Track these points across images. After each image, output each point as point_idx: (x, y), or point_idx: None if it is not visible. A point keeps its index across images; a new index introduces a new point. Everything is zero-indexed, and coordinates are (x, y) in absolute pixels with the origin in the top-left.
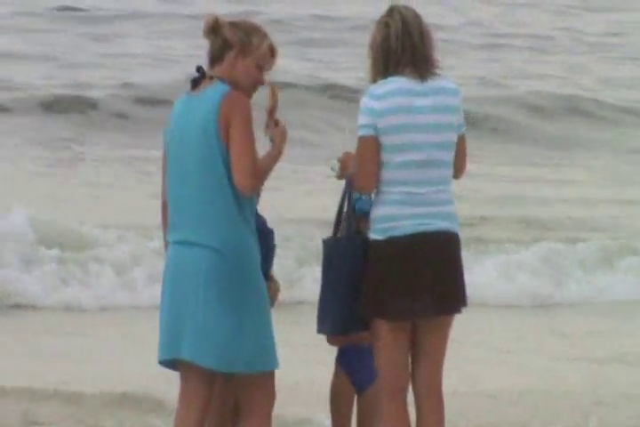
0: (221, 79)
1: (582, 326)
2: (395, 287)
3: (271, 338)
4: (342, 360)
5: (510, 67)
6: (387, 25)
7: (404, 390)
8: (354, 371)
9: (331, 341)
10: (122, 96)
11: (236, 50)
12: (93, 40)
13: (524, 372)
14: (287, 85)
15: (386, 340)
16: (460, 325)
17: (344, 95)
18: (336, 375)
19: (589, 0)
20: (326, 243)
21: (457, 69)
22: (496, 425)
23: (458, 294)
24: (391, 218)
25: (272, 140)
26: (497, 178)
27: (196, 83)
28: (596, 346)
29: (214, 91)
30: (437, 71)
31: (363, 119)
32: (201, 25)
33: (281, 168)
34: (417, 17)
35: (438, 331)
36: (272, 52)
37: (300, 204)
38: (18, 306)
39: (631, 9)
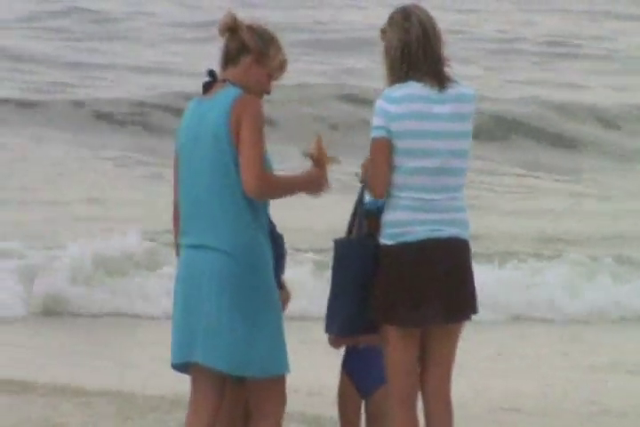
0: (233, 83)
1: None
2: (405, 294)
3: (283, 342)
4: (347, 365)
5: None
6: (407, 31)
7: (414, 397)
8: (358, 375)
9: (332, 342)
10: None
11: (253, 57)
12: None
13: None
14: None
15: (395, 346)
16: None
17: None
18: (342, 380)
19: None
20: (337, 243)
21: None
22: None
23: (468, 301)
24: (402, 224)
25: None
26: None
27: (207, 86)
28: None
29: (226, 94)
30: (451, 75)
31: (376, 121)
32: None
33: None
34: (431, 18)
35: (448, 338)
36: (283, 65)
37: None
38: None
39: None
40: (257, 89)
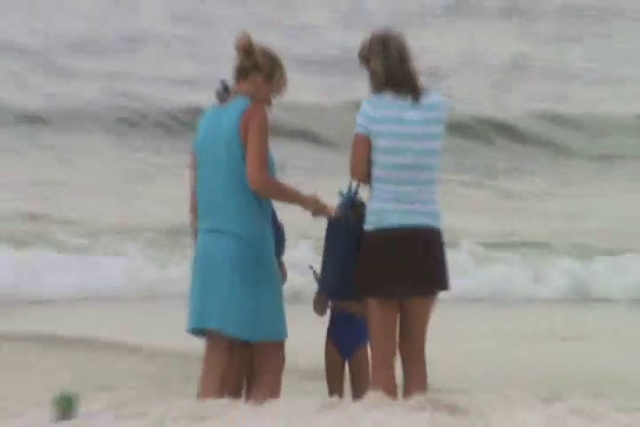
0: (244, 96)
1: None
2: (381, 272)
3: (283, 313)
4: (331, 331)
5: None
6: (387, 57)
7: (392, 358)
8: (341, 340)
9: (317, 309)
10: None
11: (263, 75)
12: None
13: None
14: None
15: (376, 315)
16: None
17: None
18: (327, 344)
19: None
20: (328, 221)
21: None
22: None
23: (434, 279)
24: (380, 212)
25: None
26: None
27: (220, 96)
28: None
29: (238, 104)
30: (425, 86)
31: (359, 120)
32: None
33: None
34: (404, 42)
35: (421, 308)
36: (284, 86)
37: None
38: None
39: None
40: (263, 101)
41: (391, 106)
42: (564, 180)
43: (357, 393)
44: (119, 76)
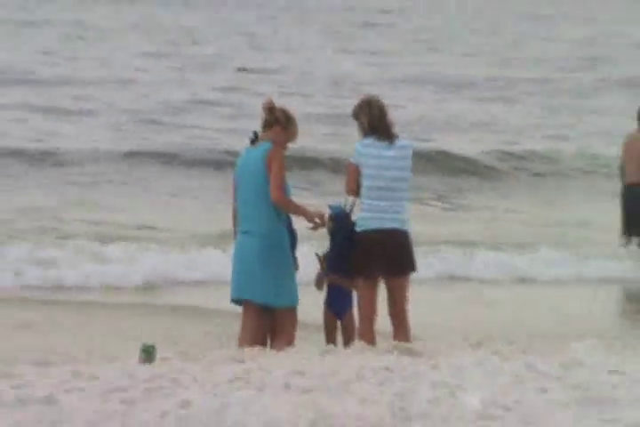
0: (268, 140)
1: None
2: (366, 260)
3: (296, 286)
4: (328, 300)
5: None
6: (370, 113)
7: (373, 317)
8: (335, 305)
9: (317, 284)
10: None
11: (281, 127)
12: None
13: None
14: None
15: (363, 290)
16: None
17: None
18: (325, 309)
19: None
20: (332, 224)
21: None
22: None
23: (404, 264)
24: (365, 219)
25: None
26: None
27: (252, 141)
28: None
29: (264, 146)
30: (397, 133)
31: (354, 153)
32: None
33: None
34: (382, 103)
35: (399, 284)
36: (296, 134)
37: None
38: None
39: None
40: (281, 145)
41: (373, 146)
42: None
43: (346, 343)
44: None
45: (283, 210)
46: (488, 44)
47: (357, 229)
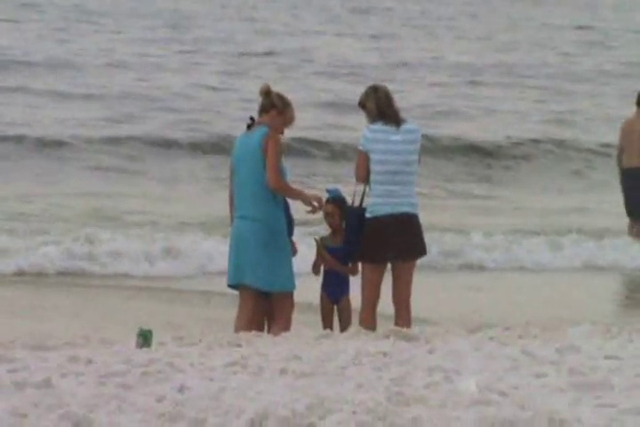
0: (264, 125)
1: None
2: (377, 245)
3: (292, 271)
4: (324, 284)
5: None
6: (377, 97)
7: (376, 301)
8: (331, 291)
9: (314, 270)
10: None
11: (277, 111)
12: None
13: None
14: None
15: (371, 274)
16: None
17: None
18: (321, 294)
19: None
20: (347, 212)
21: None
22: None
23: (415, 248)
24: (376, 205)
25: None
26: None
27: (249, 126)
28: None
29: (260, 131)
30: (404, 117)
31: (361, 141)
32: None
33: None
34: (388, 90)
35: (405, 269)
36: (292, 119)
37: None
38: None
39: None
40: (277, 129)
41: (381, 131)
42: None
43: (343, 327)
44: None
45: (279, 194)
46: (485, 28)
47: (368, 214)
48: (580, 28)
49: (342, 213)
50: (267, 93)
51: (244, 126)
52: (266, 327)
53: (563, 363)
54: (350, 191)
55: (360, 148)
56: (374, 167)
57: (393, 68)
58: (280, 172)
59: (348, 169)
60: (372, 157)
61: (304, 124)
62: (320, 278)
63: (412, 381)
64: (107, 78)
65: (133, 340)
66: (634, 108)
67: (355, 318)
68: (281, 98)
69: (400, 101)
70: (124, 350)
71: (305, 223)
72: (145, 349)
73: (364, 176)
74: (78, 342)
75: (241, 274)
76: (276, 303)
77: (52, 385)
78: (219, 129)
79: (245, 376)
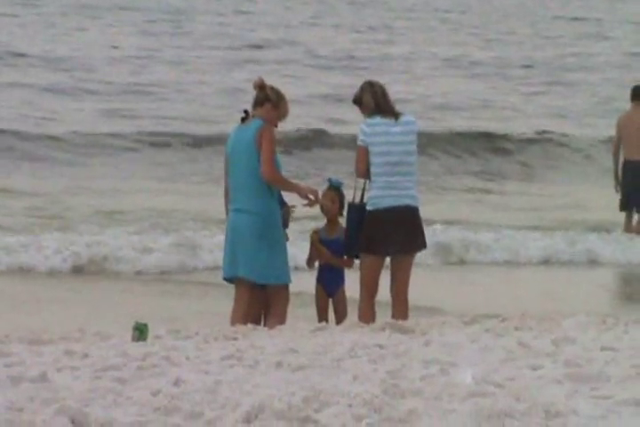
0: (259, 118)
1: None
2: (379, 238)
3: (287, 264)
4: (319, 277)
5: None
6: (374, 92)
7: (375, 292)
8: (326, 283)
9: (308, 264)
10: None
11: (272, 104)
12: None
13: None
14: None
15: (369, 266)
16: None
17: None
18: (317, 286)
19: None
20: (348, 204)
21: None
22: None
23: (416, 241)
24: (377, 197)
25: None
26: None
27: (243, 119)
28: None
29: (255, 124)
30: (400, 110)
31: (360, 136)
32: None
33: None
34: (382, 84)
35: (405, 262)
36: (287, 113)
37: None
38: None
39: None
40: (272, 123)
41: (380, 124)
42: None
43: (338, 320)
44: None
45: (274, 186)
46: (478, 21)
47: (369, 207)
48: (576, 19)
49: (342, 202)
50: (261, 87)
51: (239, 120)
52: (262, 320)
53: (559, 354)
54: (352, 187)
55: (360, 143)
56: (375, 160)
57: (387, 60)
58: (275, 164)
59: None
60: (373, 149)
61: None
62: (315, 271)
63: (408, 373)
64: (103, 73)
65: (129, 333)
66: (629, 104)
67: (352, 312)
68: (275, 91)
69: (406, 94)
70: (119, 344)
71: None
72: (141, 342)
73: (364, 171)
74: (74, 336)
75: (236, 267)
76: (271, 296)
77: (47, 379)
78: (214, 123)
79: (241, 369)
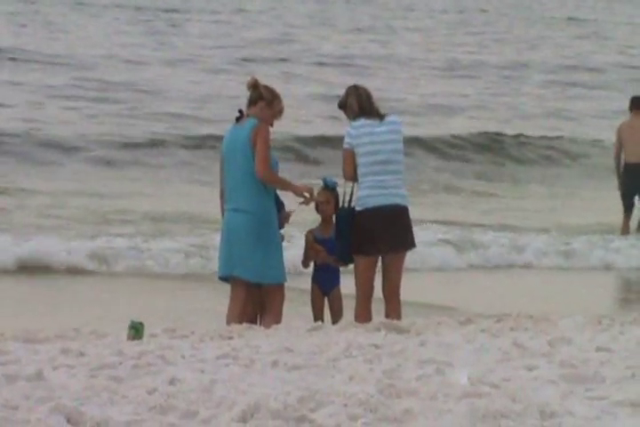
0: (253, 117)
1: None
2: (369, 238)
3: (283, 264)
4: (315, 276)
5: None
6: (358, 95)
7: (371, 293)
8: (322, 282)
9: (304, 264)
10: None
11: (265, 102)
12: None
13: None
14: None
15: (362, 267)
16: None
17: None
18: (312, 285)
19: None
20: (339, 209)
21: None
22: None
23: (405, 240)
24: (365, 197)
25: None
26: None
27: (238, 119)
28: None
29: (249, 123)
30: (384, 111)
31: (346, 139)
32: None
33: None
34: (366, 88)
35: (396, 261)
36: (281, 111)
37: None
38: None
39: None
40: (267, 121)
41: (365, 125)
42: None
43: (334, 319)
44: None
45: (269, 185)
46: (469, 22)
47: (358, 208)
48: (571, 19)
49: (336, 202)
50: (254, 86)
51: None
52: (258, 319)
53: (554, 355)
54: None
55: (345, 146)
56: (363, 160)
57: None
58: (270, 163)
59: None
60: (359, 150)
61: None
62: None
63: (404, 373)
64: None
65: (125, 332)
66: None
67: (348, 312)
68: (269, 89)
69: (405, 96)
70: (115, 343)
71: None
72: (136, 341)
73: (351, 174)
74: (69, 335)
75: (232, 266)
76: (267, 295)
77: (43, 378)
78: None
79: (237, 369)
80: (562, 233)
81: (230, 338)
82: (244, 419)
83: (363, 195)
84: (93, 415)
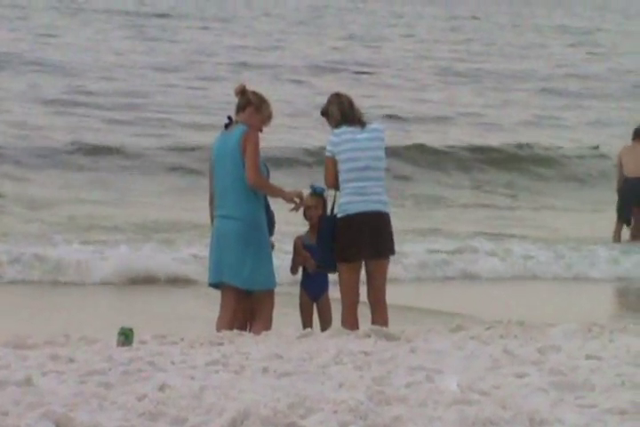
0: (242, 123)
1: None
2: (351, 244)
3: (273, 270)
4: (304, 282)
5: None
6: (340, 102)
7: (356, 302)
8: (310, 288)
9: (292, 271)
10: None
11: (254, 108)
12: None
13: None
14: None
15: (346, 273)
16: None
17: None
18: (301, 291)
19: None
20: (323, 217)
21: None
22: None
23: (386, 247)
24: (347, 203)
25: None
26: None
27: (227, 125)
28: None
29: (238, 130)
30: (366, 119)
31: (328, 147)
32: None
33: None
34: (349, 95)
35: (379, 267)
36: (270, 116)
37: None
38: None
39: None
40: (255, 127)
41: (346, 132)
42: None
43: (323, 326)
44: None
45: (259, 191)
46: (459, 29)
47: (340, 214)
48: (561, 26)
49: (324, 208)
50: (242, 92)
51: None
52: (247, 326)
53: (544, 363)
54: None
55: (327, 154)
56: (344, 166)
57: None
58: (259, 169)
59: None
60: (341, 157)
61: None
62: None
63: (394, 380)
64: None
65: (114, 338)
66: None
67: (335, 318)
68: (257, 95)
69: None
70: (105, 349)
71: (287, 222)
72: (126, 347)
73: (333, 181)
74: (59, 341)
75: (222, 273)
76: (257, 302)
77: (32, 384)
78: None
79: (227, 375)
80: (556, 242)
81: (220, 344)
82: (233, 425)
83: (344, 201)
84: (83, 421)
